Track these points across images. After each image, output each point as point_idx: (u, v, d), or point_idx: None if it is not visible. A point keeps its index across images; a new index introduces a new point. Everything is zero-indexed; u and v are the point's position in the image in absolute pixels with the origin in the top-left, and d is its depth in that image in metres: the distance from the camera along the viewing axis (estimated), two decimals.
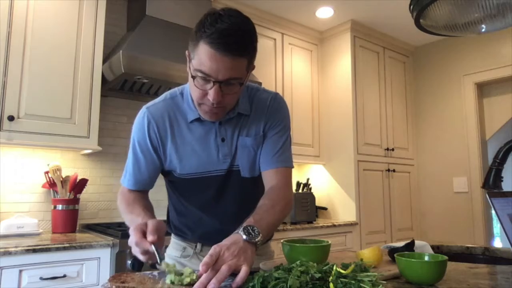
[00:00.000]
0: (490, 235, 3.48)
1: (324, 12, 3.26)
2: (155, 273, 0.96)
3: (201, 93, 1.01)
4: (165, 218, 1.33)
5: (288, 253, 1.00)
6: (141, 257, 0.90)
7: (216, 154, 1.14)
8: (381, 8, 3.21)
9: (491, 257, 1.52)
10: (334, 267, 0.79)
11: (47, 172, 2.27)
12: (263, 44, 3.18)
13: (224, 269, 0.79)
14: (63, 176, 2.30)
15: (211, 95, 0.99)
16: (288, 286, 0.73)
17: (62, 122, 2.15)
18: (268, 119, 1.18)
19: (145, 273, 0.97)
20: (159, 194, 1.54)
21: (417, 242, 1.33)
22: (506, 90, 3.48)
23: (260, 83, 2.60)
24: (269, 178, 1.15)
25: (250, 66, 1.02)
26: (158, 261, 0.87)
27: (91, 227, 2.38)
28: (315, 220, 3.14)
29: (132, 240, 0.90)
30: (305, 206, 3.07)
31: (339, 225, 3.08)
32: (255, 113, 1.17)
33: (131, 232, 0.91)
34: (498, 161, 1.34)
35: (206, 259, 0.80)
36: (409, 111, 3.93)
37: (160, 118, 1.14)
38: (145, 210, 1.08)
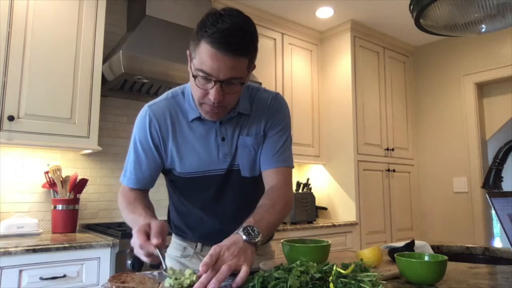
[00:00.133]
0: (490, 235, 3.48)
1: (324, 12, 3.27)
2: (155, 273, 0.96)
3: (202, 93, 1.01)
4: (165, 218, 1.33)
5: (288, 253, 1.00)
6: (144, 259, 0.90)
7: (216, 153, 1.14)
8: (381, 8, 3.21)
9: (491, 257, 1.52)
10: (334, 267, 0.79)
11: (47, 172, 2.27)
12: (263, 44, 3.18)
13: (224, 269, 0.79)
14: (63, 176, 2.30)
15: (212, 94, 0.99)
16: (288, 286, 0.73)
17: (62, 122, 2.15)
18: (269, 119, 1.18)
19: (145, 273, 0.97)
20: (159, 194, 1.54)
21: (417, 242, 1.33)
22: (506, 90, 3.48)
23: (260, 83, 2.60)
24: (269, 177, 1.15)
25: (251, 66, 1.03)
26: (164, 266, 0.87)
27: (91, 227, 2.38)
28: (315, 220, 3.14)
29: (135, 242, 0.89)
30: (305, 206, 3.07)
31: (339, 225, 3.08)
32: (255, 113, 1.17)
33: (134, 233, 0.91)
34: (498, 161, 1.34)
35: (206, 259, 0.80)
36: (409, 111, 3.93)
37: (161, 117, 1.14)
38: (147, 210, 1.08)
